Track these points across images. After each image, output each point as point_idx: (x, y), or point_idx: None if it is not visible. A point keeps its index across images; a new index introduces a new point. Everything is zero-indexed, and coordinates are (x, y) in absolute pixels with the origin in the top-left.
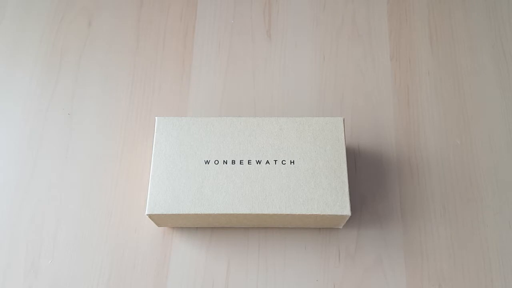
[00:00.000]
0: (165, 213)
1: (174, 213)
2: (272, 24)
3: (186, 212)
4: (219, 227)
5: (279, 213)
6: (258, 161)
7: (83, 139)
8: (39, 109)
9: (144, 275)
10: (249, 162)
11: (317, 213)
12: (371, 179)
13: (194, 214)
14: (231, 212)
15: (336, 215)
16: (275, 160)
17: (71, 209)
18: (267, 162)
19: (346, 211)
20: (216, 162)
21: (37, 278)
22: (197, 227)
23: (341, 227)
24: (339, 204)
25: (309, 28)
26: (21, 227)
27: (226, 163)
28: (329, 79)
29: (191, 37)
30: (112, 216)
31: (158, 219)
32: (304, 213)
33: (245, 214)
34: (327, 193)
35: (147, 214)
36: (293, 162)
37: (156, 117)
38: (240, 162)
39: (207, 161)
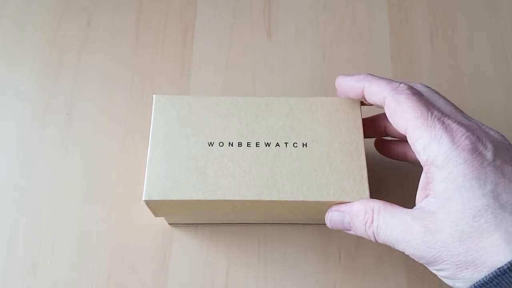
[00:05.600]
0: (164, 199)
1: (174, 199)
2: (272, 23)
3: (188, 198)
4: (219, 223)
5: (291, 199)
6: (267, 143)
7: (82, 139)
8: (38, 108)
9: (144, 274)
10: (257, 144)
11: (333, 199)
12: (372, 179)
13: (197, 200)
14: (238, 199)
15: None
16: (286, 143)
17: (70, 209)
18: (277, 144)
19: (365, 197)
20: (221, 144)
21: (36, 279)
22: (197, 225)
23: None
24: (357, 189)
25: (309, 27)
26: (20, 227)
27: (232, 145)
28: (329, 79)
29: (191, 37)
30: (112, 216)
31: (155, 207)
32: (318, 200)
33: (253, 202)
34: (344, 178)
35: (144, 200)
36: (306, 144)
37: (154, 95)
38: (248, 144)
39: (210, 143)
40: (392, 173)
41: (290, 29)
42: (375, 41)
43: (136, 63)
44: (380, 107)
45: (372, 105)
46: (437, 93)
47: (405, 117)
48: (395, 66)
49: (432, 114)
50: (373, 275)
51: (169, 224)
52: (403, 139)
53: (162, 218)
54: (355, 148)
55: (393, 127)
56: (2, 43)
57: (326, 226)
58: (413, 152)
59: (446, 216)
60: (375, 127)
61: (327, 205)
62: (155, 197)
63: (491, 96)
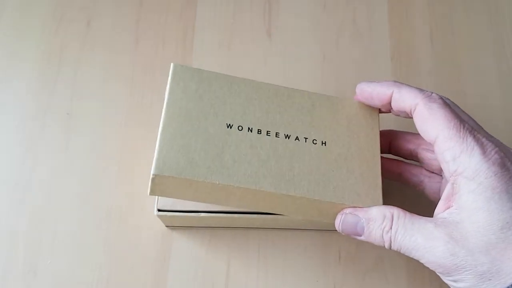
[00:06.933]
0: (176, 175)
1: (187, 177)
2: (272, 23)
3: (202, 179)
4: (219, 227)
5: (306, 196)
6: (287, 135)
7: (82, 139)
8: (38, 108)
9: (144, 275)
10: (276, 134)
11: (347, 203)
12: None
13: (210, 183)
14: (254, 188)
15: None
16: (306, 138)
17: (70, 209)
18: (297, 138)
19: (379, 203)
20: (240, 128)
21: (36, 279)
22: (197, 228)
23: None
24: (371, 197)
25: (309, 27)
26: (19, 227)
27: (251, 131)
28: (330, 79)
29: (191, 37)
30: (112, 216)
31: (161, 185)
32: (333, 201)
33: (267, 194)
34: (359, 183)
35: (152, 175)
36: (325, 143)
37: (172, 63)
38: (267, 133)
39: (229, 125)
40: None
41: (290, 29)
42: (375, 41)
43: (136, 63)
44: (399, 115)
45: (388, 112)
46: (458, 107)
47: (437, 126)
48: (395, 66)
49: (464, 126)
50: (373, 275)
51: (166, 226)
52: (405, 157)
53: (160, 220)
54: (372, 155)
55: (397, 144)
56: (2, 43)
57: (326, 231)
58: (409, 173)
59: (473, 226)
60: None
61: (338, 208)
62: (166, 173)
63: (491, 96)
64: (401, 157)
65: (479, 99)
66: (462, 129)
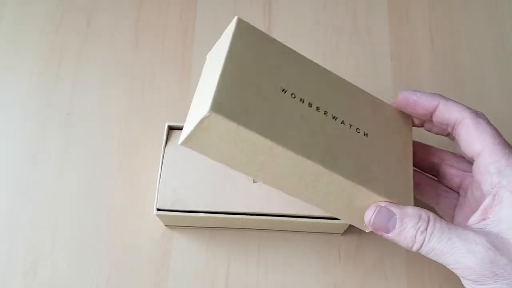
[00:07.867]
0: (231, 120)
1: (240, 125)
2: (272, 23)
3: (255, 131)
4: (220, 227)
5: (349, 180)
6: (334, 116)
7: (82, 139)
8: (38, 108)
9: (144, 275)
10: (325, 113)
11: (384, 196)
12: None
13: (259, 139)
14: (301, 156)
15: None
16: (350, 125)
17: (70, 209)
18: (342, 122)
19: (411, 205)
20: (293, 96)
21: (36, 279)
22: (196, 228)
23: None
24: (404, 197)
25: (309, 27)
26: (19, 227)
27: (303, 102)
28: None
29: (191, 37)
30: (112, 216)
31: (204, 133)
32: (370, 191)
33: (308, 167)
34: (394, 181)
35: (207, 112)
36: (367, 135)
37: (236, 17)
38: (317, 108)
39: (284, 89)
40: None
41: (290, 29)
42: (375, 41)
43: (136, 63)
44: (431, 130)
45: (420, 126)
46: None
47: (483, 140)
48: (395, 66)
49: (508, 144)
50: (373, 275)
51: (165, 226)
52: (424, 170)
53: (160, 220)
54: (405, 158)
55: (421, 156)
56: (2, 43)
57: (326, 233)
58: (427, 185)
59: None
60: None
61: (371, 200)
62: (222, 113)
63: (491, 96)
64: (420, 169)
65: (479, 99)
66: (507, 147)
